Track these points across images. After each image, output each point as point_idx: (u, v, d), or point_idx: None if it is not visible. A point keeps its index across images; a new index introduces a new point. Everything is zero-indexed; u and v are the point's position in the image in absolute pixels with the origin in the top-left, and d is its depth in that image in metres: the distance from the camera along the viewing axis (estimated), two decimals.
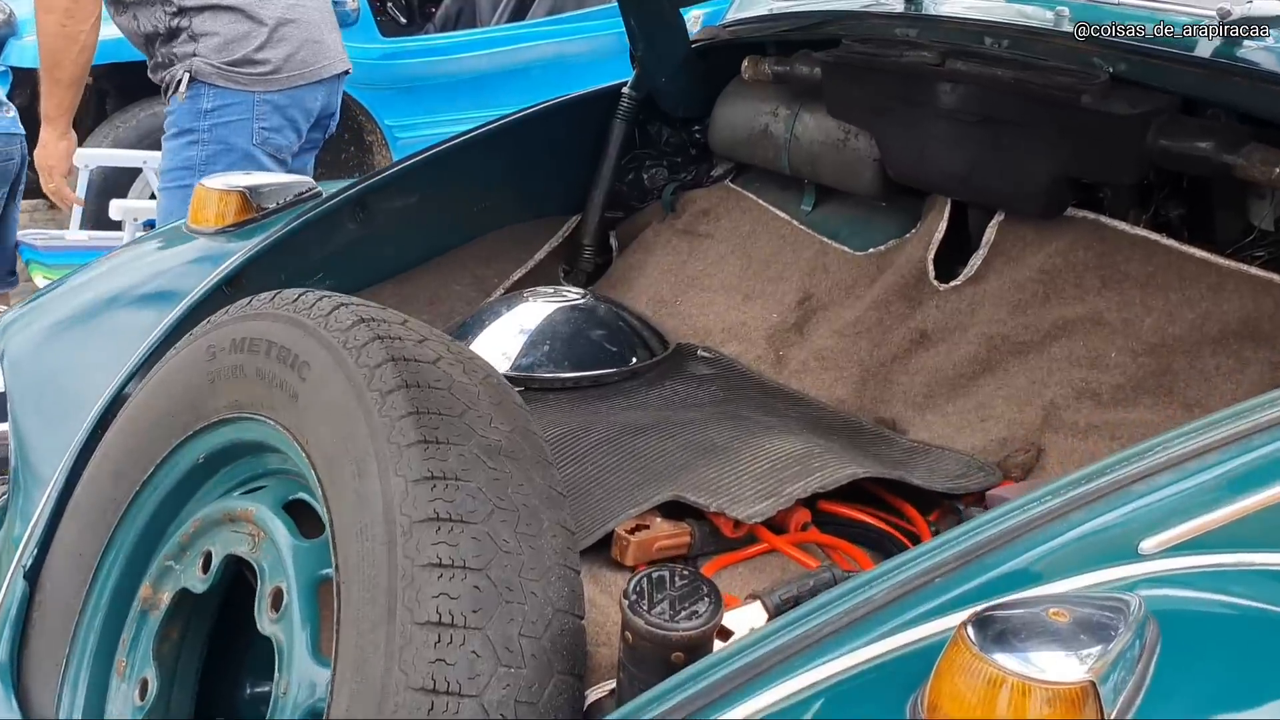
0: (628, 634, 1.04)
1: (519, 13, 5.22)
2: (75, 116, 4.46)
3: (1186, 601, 0.96)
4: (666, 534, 1.33)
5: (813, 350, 1.89)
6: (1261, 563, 1.01)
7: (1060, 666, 0.80)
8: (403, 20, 5.21)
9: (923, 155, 1.87)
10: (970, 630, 0.83)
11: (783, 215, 2.19)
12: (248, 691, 1.56)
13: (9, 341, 1.75)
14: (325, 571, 1.22)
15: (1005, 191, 1.79)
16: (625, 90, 2.30)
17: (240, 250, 1.83)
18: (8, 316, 1.83)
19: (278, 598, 1.25)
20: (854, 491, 1.47)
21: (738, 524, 1.34)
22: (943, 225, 1.91)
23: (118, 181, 3.93)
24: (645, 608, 1.03)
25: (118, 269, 1.87)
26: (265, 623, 1.25)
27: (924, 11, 1.96)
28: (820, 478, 1.40)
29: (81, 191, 3.77)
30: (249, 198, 1.89)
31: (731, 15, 2.36)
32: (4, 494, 1.66)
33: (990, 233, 1.84)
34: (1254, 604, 0.97)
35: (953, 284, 1.85)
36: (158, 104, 4.13)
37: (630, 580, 1.05)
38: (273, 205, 1.92)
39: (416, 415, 1.13)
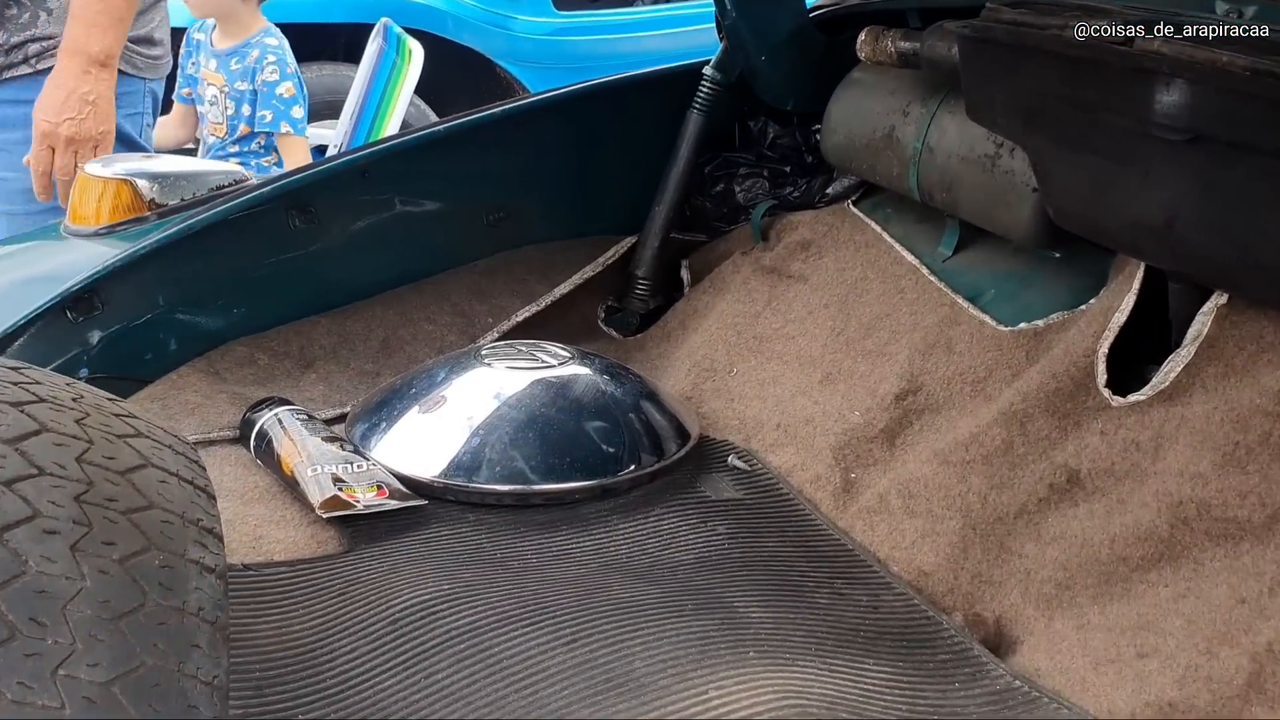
0: None
1: None
2: None
3: None
4: None
5: (900, 479, 1.23)
6: None
7: None
8: None
9: (1099, 190, 1.16)
10: None
11: (910, 259, 1.52)
12: None
13: None
14: None
15: (1232, 260, 1.07)
16: (707, 71, 1.68)
17: (112, 256, 1.34)
18: None
19: None
20: None
21: None
22: (1129, 303, 1.20)
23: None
24: None
25: None
26: None
27: None
28: None
29: None
30: (139, 189, 1.40)
31: None
32: None
33: (1202, 324, 1.12)
34: None
35: (1134, 398, 1.15)
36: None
37: None
38: (176, 200, 1.41)
39: None
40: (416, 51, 3.25)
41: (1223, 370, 1.11)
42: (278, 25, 2.98)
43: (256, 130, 2.83)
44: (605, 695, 0.86)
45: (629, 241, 1.72)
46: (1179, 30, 1.02)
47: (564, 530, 1.15)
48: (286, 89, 2.80)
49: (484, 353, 1.32)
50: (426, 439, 1.23)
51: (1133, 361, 1.23)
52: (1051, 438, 1.18)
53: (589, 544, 1.14)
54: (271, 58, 2.80)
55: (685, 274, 1.77)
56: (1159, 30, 1.03)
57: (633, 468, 1.24)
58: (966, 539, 1.14)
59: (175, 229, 1.37)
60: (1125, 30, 1.04)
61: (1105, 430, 1.15)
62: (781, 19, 1.64)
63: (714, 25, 1.71)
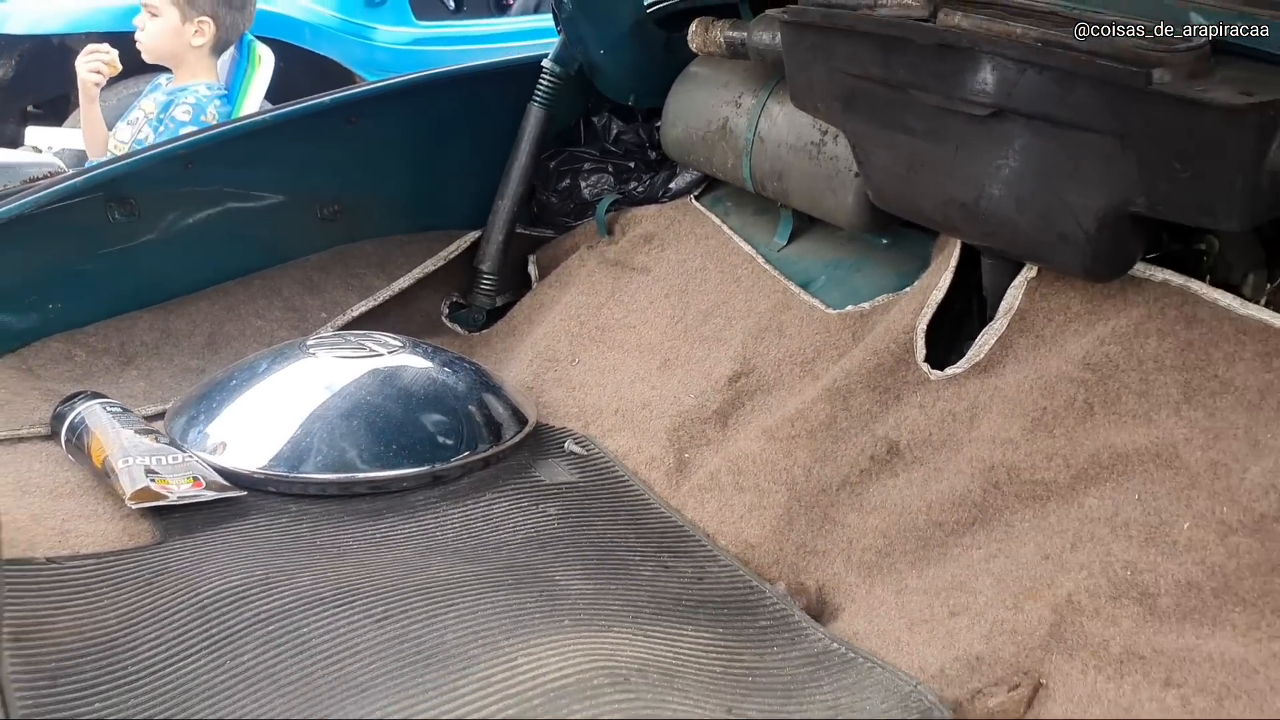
0: None
1: None
2: (48, 99, 4.08)
3: None
4: None
5: (730, 457, 1.24)
6: None
7: None
8: (450, 4, 4.67)
9: (913, 170, 1.19)
10: None
11: (747, 249, 1.54)
12: None
13: None
14: None
15: (1036, 235, 1.11)
16: (545, 64, 1.68)
17: None
18: None
19: None
20: None
21: None
22: (945, 281, 1.24)
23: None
24: None
25: None
26: None
27: None
28: None
29: None
30: None
31: None
32: None
33: (1014, 297, 1.16)
34: None
35: (951, 371, 1.18)
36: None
37: None
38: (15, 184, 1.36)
39: None
40: (266, 56, 3.19)
41: (1033, 341, 1.15)
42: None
43: None
44: (413, 667, 0.84)
45: (472, 236, 1.71)
46: (984, 6, 1.06)
47: (389, 517, 1.13)
48: (189, 131, 2.92)
49: (309, 344, 1.29)
50: (247, 431, 1.20)
51: (954, 338, 1.27)
52: (873, 411, 1.20)
53: (414, 529, 1.12)
54: (190, 100, 2.86)
55: (533, 269, 1.76)
56: (961, 7, 1.07)
57: (465, 454, 1.22)
58: (792, 511, 1.16)
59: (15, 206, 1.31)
60: (928, 9, 1.08)
61: (924, 403, 1.18)
62: (619, 12, 1.65)
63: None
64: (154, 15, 2.98)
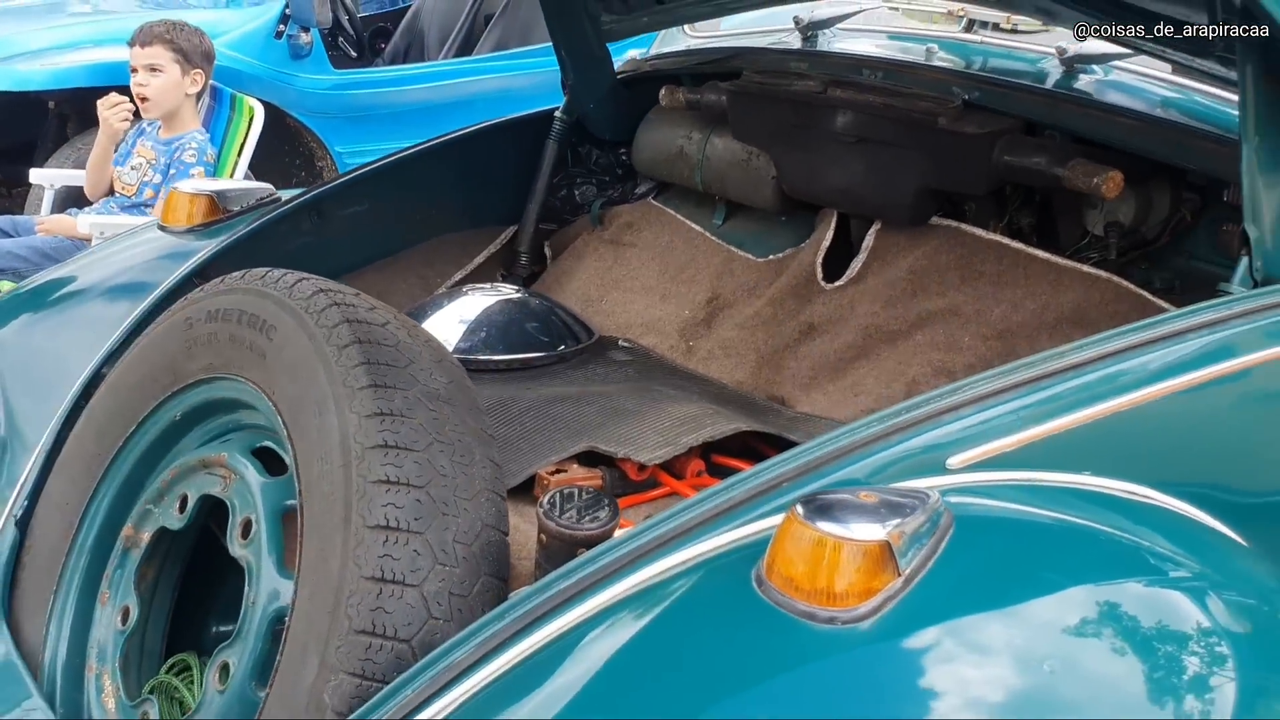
0: (542, 535, 1.28)
1: (466, 48, 5.49)
2: (35, 140, 4.64)
3: (981, 505, 1.21)
4: (582, 476, 1.57)
5: (718, 341, 2.15)
6: (1045, 479, 1.27)
7: (866, 530, 1.05)
8: (353, 54, 5.44)
9: (811, 172, 2.14)
10: (800, 508, 1.08)
11: (697, 228, 2.45)
12: (213, 630, 1.77)
13: (4, 319, 1.95)
14: (289, 503, 1.44)
15: (880, 203, 2.07)
16: (557, 115, 2.57)
17: (207, 247, 2.05)
18: (14, 291, 2.04)
19: (247, 527, 1.47)
20: (744, 449, 1.72)
21: (641, 468, 1.59)
22: (829, 234, 2.19)
23: (80, 199, 4.11)
24: (557, 514, 1.28)
25: (96, 262, 2.08)
26: (236, 548, 1.47)
27: (815, 48, 2.25)
28: (711, 430, 1.65)
29: (46, 209, 3.99)
30: (217, 201, 2.12)
31: (654, 50, 2.64)
32: None
33: (869, 239, 2.12)
34: (1034, 510, 1.23)
35: (837, 284, 2.13)
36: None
37: (545, 495, 1.29)
38: (237, 208, 2.14)
39: (368, 365, 1.37)
40: (258, 110, 3.94)
41: (881, 262, 2.10)
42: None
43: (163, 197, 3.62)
44: (617, 415, 1.71)
45: (512, 229, 2.57)
46: (849, 85, 2.01)
47: (537, 379, 1.98)
48: (198, 171, 3.61)
49: (465, 289, 2.14)
50: (444, 334, 2.03)
51: (835, 267, 2.21)
52: (796, 309, 2.13)
53: (554, 382, 1.98)
54: (193, 145, 3.59)
55: (548, 250, 2.63)
56: (839, 86, 2.02)
57: (573, 346, 2.10)
58: (760, 363, 2.08)
59: (245, 227, 2.10)
60: (821, 87, 2.02)
61: (824, 301, 2.12)
62: (602, 80, 2.54)
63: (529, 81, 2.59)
64: (158, 72, 3.72)
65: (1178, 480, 1.33)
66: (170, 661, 1.66)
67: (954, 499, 1.19)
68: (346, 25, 5.34)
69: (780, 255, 2.28)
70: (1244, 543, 1.35)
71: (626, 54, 2.77)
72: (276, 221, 2.14)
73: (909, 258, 2.05)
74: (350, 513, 1.26)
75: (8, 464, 1.83)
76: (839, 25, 2.34)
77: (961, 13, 2.19)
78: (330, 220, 2.25)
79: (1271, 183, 1.47)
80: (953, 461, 1.24)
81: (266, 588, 1.40)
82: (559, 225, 2.66)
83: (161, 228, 2.13)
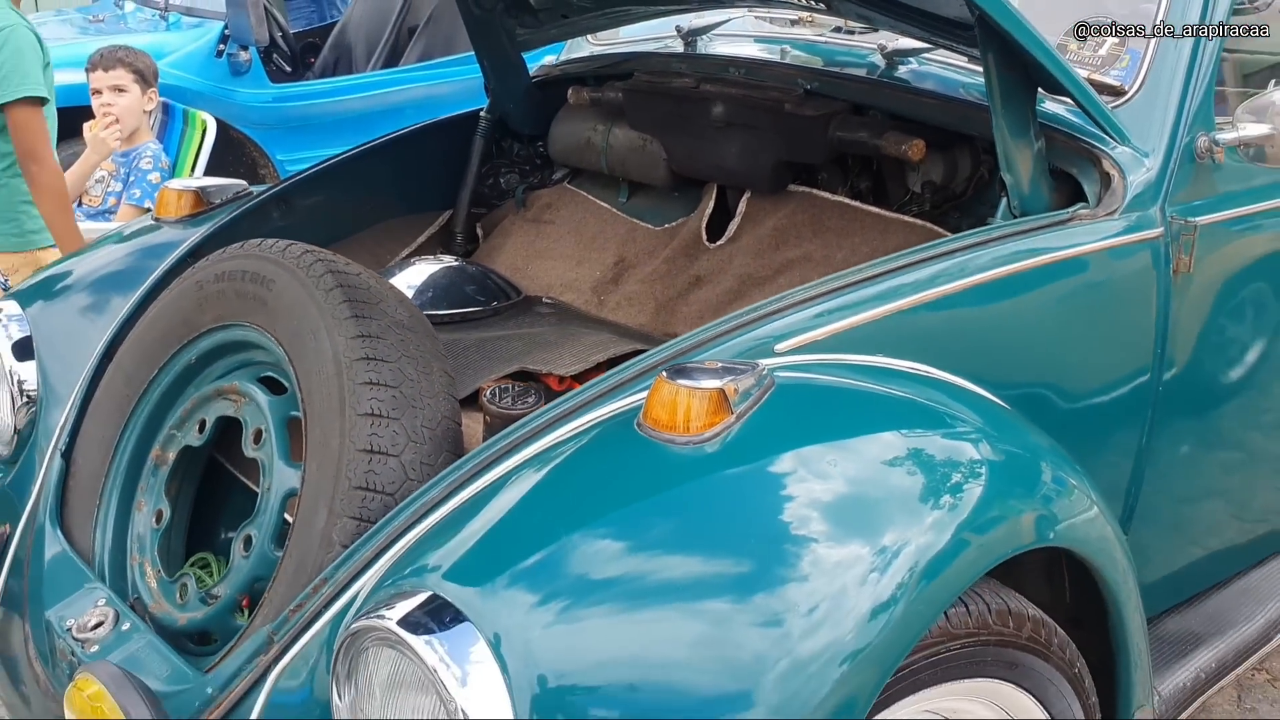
0: (486, 417, 1.75)
1: (393, 59, 5.92)
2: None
3: (796, 376, 1.69)
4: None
5: (623, 295, 2.63)
6: (847, 359, 1.76)
7: (710, 383, 1.53)
8: (288, 69, 5.84)
9: (693, 154, 2.63)
10: (665, 373, 1.55)
11: (605, 205, 2.93)
12: (222, 535, 2.20)
13: (31, 299, 2.37)
14: (291, 414, 1.89)
15: (748, 176, 2.56)
16: (482, 114, 3.03)
17: (196, 232, 2.48)
18: (27, 282, 2.45)
19: (258, 435, 1.91)
20: None
21: (561, 380, 2.05)
22: (711, 204, 2.67)
23: None
24: (497, 400, 1.74)
25: (108, 249, 2.50)
26: (249, 450, 1.91)
27: (694, 51, 2.74)
28: (615, 349, 2.14)
29: None
30: (201, 195, 2.55)
31: (563, 56, 3.11)
32: (33, 410, 2.26)
33: (741, 206, 2.61)
34: (836, 379, 1.72)
35: (718, 243, 2.61)
36: (79, 146, 4.72)
37: (488, 389, 1.76)
38: (218, 201, 2.57)
39: (349, 302, 1.82)
40: (210, 123, 4.35)
41: (751, 224, 2.59)
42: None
43: (126, 202, 4.01)
44: (534, 347, 2.18)
45: (448, 214, 3.03)
46: (718, 81, 2.50)
47: (478, 328, 2.45)
48: (154, 177, 4.04)
49: (414, 260, 2.59)
50: (402, 289, 2.48)
51: (717, 230, 2.69)
52: (686, 265, 2.61)
53: (490, 329, 2.44)
54: (148, 153, 4.04)
55: (479, 230, 3.09)
56: (710, 81, 2.51)
57: (504, 302, 2.56)
58: (658, 309, 2.55)
59: (226, 216, 2.53)
60: (696, 83, 2.51)
61: (708, 258, 2.60)
62: (519, 83, 3.01)
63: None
64: (123, 92, 4.15)
65: (952, 361, 1.83)
66: (191, 559, 2.09)
67: (780, 373, 1.67)
68: (280, 42, 5.74)
69: (673, 224, 2.76)
70: (1006, 406, 1.85)
71: (542, 60, 3.24)
72: (251, 211, 2.58)
73: (773, 219, 2.54)
74: (344, 406, 1.72)
75: (44, 415, 2.25)
76: (714, 32, 2.83)
77: (809, 19, 2.69)
78: (294, 209, 2.69)
79: (1017, 143, 1.99)
80: (779, 348, 1.73)
81: (278, 476, 1.85)
82: (488, 209, 3.11)
83: (156, 219, 2.56)
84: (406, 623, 1.35)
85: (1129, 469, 2.13)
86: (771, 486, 1.50)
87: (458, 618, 1.35)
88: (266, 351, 1.95)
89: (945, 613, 1.54)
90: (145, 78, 4.21)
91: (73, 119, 4.62)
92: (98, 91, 4.17)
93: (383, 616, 1.37)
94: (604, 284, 2.69)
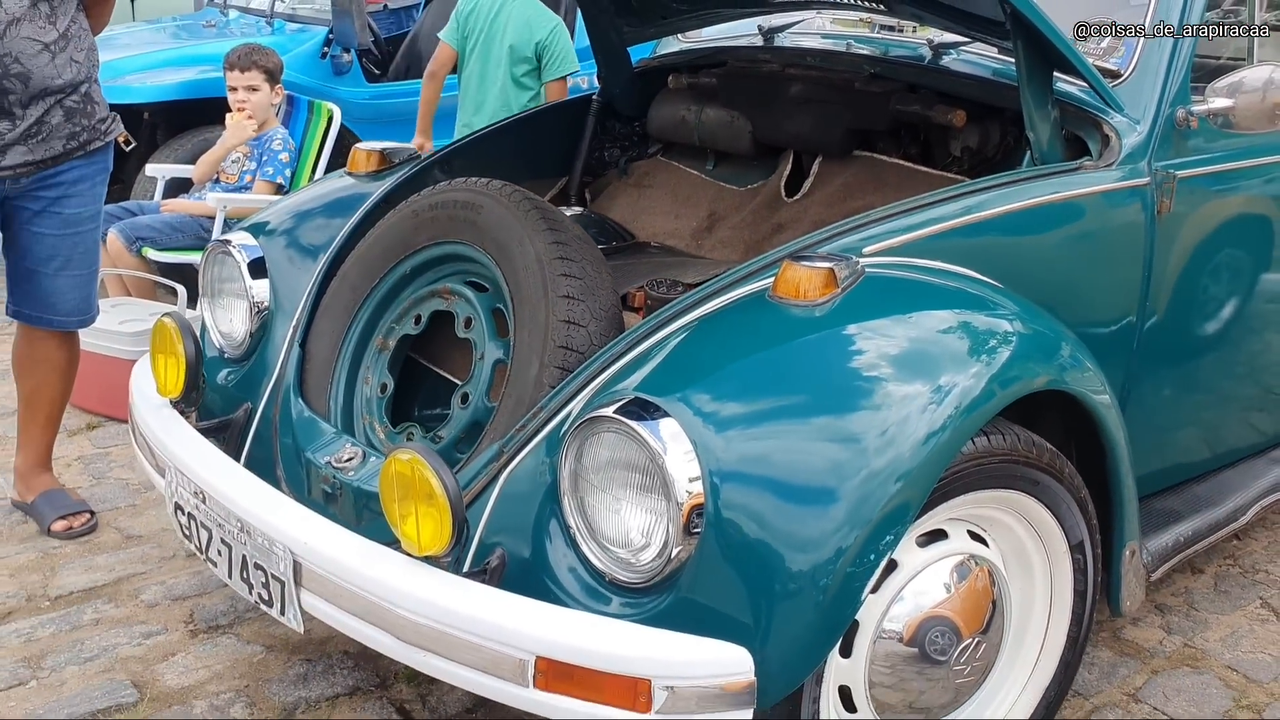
0: (648, 301, 2.39)
1: None
2: (136, 146, 5.67)
3: (880, 271, 2.33)
4: None
5: (717, 239, 3.27)
6: (917, 262, 2.39)
7: (823, 264, 2.17)
8: (376, 71, 6.52)
9: (775, 125, 3.27)
10: (790, 259, 2.19)
11: (695, 173, 3.57)
12: (419, 412, 2.83)
13: (259, 231, 3.01)
14: (495, 306, 2.52)
15: (820, 143, 3.21)
16: (594, 99, 3.68)
17: (383, 184, 3.12)
18: (258, 217, 3.10)
19: (468, 321, 2.55)
20: None
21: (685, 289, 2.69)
22: (788, 167, 3.32)
23: (183, 187, 5.16)
24: (651, 288, 2.39)
25: (314, 196, 3.15)
26: (461, 332, 2.55)
27: (774, 44, 3.39)
28: (727, 266, 2.77)
29: (159, 195, 5.05)
30: (384, 155, 3.20)
31: (659, 51, 3.77)
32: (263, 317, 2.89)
33: (814, 167, 3.25)
34: (909, 274, 2.35)
35: (795, 198, 3.26)
36: (204, 133, 5.41)
37: (643, 281, 2.41)
38: (396, 161, 3.22)
39: (544, 219, 2.47)
40: (336, 112, 5.02)
41: (823, 182, 3.22)
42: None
43: (261, 179, 4.71)
44: (656, 269, 2.81)
45: (564, 180, 3.67)
46: (799, 67, 3.15)
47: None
48: (284, 157, 4.72)
49: (561, 208, 3.24)
50: None
51: (794, 187, 3.32)
52: (768, 215, 3.25)
53: (616, 261, 3.08)
54: (279, 138, 4.74)
55: (588, 195, 3.73)
56: (793, 68, 3.16)
57: (614, 244, 3.20)
58: (747, 250, 3.16)
59: (405, 172, 3.17)
60: (780, 68, 3.16)
61: (787, 210, 3.23)
62: (624, 73, 3.65)
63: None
64: (255, 90, 4.82)
65: (990, 271, 2.46)
66: (398, 428, 2.73)
67: (869, 268, 2.31)
68: (372, 47, 6.42)
69: (755, 185, 3.40)
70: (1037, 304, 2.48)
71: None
72: (423, 170, 3.22)
73: (841, 177, 3.18)
74: (547, 290, 2.36)
75: (279, 320, 2.88)
76: (790, 30, 3.48)
77: (871, 21, 3.34)
78: (453, 170, 3.33)
79: (1039, 111, 2.63)
80: (865, 250, 2.37)
81: (488, 348, 2.49)
82: (593, 178, 3.76)
83: (349, 174, 3.21)
84: (624, 411, 1.98)
85: (1122, 366, 2.76)
86: (861, 341, 2.14)
87: (660, 411, 1.98)
88: (474, 261, 2.59)
89: (989, 438, 2.17)
90: (274, 75, 4.88)
91: (211, 110, 5.30)
92: (234, 88, 4.83)
93: (606, 409, 2.00)
94: (700, 232, 3.33)
